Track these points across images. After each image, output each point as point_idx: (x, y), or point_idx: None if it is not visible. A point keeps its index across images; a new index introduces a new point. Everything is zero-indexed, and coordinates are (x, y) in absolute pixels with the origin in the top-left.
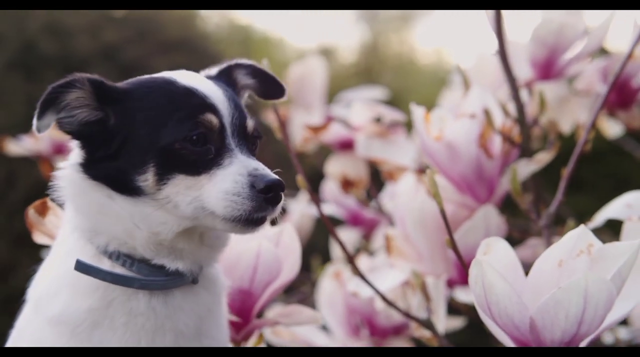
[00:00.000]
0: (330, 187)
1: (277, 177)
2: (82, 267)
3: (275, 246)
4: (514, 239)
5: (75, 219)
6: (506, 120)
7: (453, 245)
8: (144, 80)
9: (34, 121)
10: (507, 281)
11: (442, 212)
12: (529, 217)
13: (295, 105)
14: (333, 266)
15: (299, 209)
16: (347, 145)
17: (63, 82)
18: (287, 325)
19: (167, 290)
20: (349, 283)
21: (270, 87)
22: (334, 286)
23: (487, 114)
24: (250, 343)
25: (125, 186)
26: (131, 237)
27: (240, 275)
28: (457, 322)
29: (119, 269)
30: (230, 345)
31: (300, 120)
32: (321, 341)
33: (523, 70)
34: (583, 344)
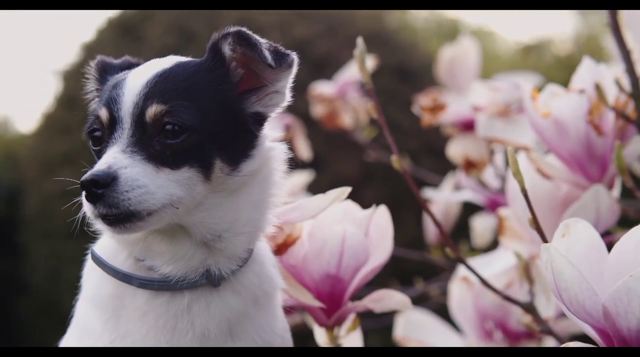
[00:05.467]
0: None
1: (95, 173)
2: (94, 258)
3: (366, 228)
4: (632, 220)
5: None
6: (620, 95)
7: (537, 226)
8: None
9: None
10: (575, 267)
11: (524, 192)
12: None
13: (447, 88)
14: (461, 269)
15: (444, 196)
16: (468, 126)
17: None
18: (378, 310)
19: (175, 291)
20: (460, 269)
21: (255, 51)
22: (462, 289)
23: (598, 89)
24: (344, 328)
25: None
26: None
27: (327, 261)
28: None
29: (129, 263)
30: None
31: (451, 103)
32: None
33: None
34: None
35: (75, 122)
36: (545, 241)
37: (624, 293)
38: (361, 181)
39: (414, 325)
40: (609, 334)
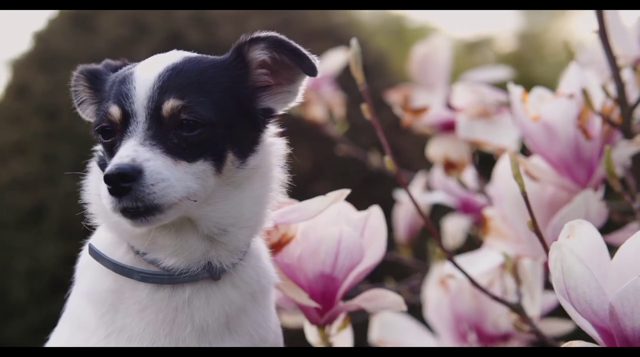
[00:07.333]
0: (438, 174)
1: (119, 166)
2: (92, 252)
3: (362, 230)
4: (615, 223)
5: None
6: (607, 100)
7: (535, 227)
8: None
9: None
10: (586, 266)
11: (524, 195)
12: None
13: (418, 86)
14: (438, 270)
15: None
16: (449, 127)
17: (72, 79)
18: (370, 309)
19: (176, 284)
20: (445, 266)
21: (298, 61)
22: (439, 293)
23: (585, 93)
24: (335, 326)
25: None
26: (116, 229)
27: (322, 260)
28: (567, 326)
29: (129, 257)
30: (280, 344)
31: (422, 101)
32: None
33: (633, 48)
34: None
35: (26, 112)
36: (543, 242)
37: (631, 293)
38: (312, 175)
39: (390, 327)
40: (612, 333)
